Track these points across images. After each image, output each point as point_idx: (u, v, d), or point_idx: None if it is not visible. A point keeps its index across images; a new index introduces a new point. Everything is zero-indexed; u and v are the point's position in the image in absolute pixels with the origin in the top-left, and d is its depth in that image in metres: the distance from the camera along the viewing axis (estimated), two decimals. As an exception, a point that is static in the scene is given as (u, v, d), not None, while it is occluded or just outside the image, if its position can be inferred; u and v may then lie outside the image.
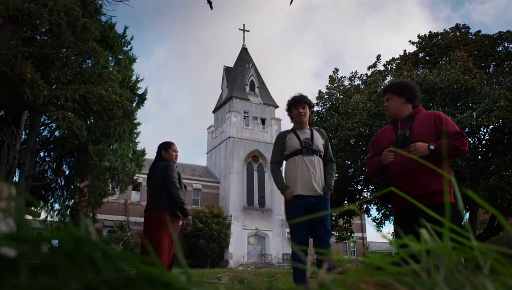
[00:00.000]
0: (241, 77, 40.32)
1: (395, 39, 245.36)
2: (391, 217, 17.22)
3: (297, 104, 3.82)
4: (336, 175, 4.02)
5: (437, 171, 2.62)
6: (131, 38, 19.59)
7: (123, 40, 18.90)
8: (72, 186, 19.48)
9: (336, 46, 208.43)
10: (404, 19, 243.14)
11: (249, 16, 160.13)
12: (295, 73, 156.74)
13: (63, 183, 19.87)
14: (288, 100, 3.91)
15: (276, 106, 40.50)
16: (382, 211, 16.99)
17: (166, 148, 4.38)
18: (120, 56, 18.66)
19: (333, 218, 16.40)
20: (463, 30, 15.94)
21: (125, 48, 19.12)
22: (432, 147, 2.77)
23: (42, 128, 18.67)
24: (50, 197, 19.94)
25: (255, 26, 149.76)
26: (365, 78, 16.27)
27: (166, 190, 4.09)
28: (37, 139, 18.22)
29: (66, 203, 19.98)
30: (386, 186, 3.00)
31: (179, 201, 4.05)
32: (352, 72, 16.76)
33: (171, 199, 4.06)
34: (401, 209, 2.90)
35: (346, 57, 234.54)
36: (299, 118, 3.79)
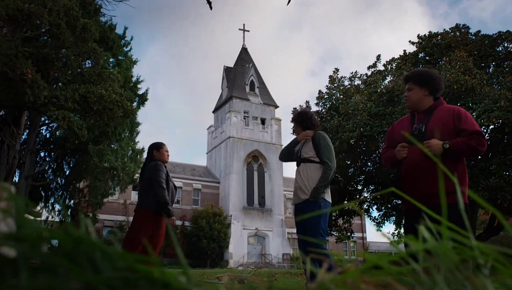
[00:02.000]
0: (241, 77, 40.30)
1: (392, 36, 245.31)
2: (391, 217, 17.23)
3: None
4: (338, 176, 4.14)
5: (449, 170, 2.59)
6: (131, 39, 19.62)
7: (123, 41, 18.90)
8: (72, 186, 19.47)
9: (331, 43, 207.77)
10: (400, 15, 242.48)
11: (248, 16, 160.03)
12: (294, 72, 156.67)
13: (63, 183, 19.87)
14: None
15: (276, 106, 40.48)
16: (382, 212, 16.99)
17: (158, 148, 4.44)
18: (120, 57, 18.67)
19: (333, 218, 16.40)
20: (463, 30, 15.94)
21: (125, 49, 19.13)
22: (446, 145, 2.65)
23: (42, 128, 18.66)
24: (50, 197, 19.94)
25: (255, 26, 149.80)
26: (365, 78, 16.28)
27: (152, 190, 4.20)
28: (37, 139, 18.21)
29: (66, 203, 19.97)
30: (398, 181, 2.89)
31: (164, 201, 4.12)
32: (352, 72, 16.79)
33: (156, 199, 4.15)
34: (410, 206, 2.83)
35: (343, 54, 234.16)
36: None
